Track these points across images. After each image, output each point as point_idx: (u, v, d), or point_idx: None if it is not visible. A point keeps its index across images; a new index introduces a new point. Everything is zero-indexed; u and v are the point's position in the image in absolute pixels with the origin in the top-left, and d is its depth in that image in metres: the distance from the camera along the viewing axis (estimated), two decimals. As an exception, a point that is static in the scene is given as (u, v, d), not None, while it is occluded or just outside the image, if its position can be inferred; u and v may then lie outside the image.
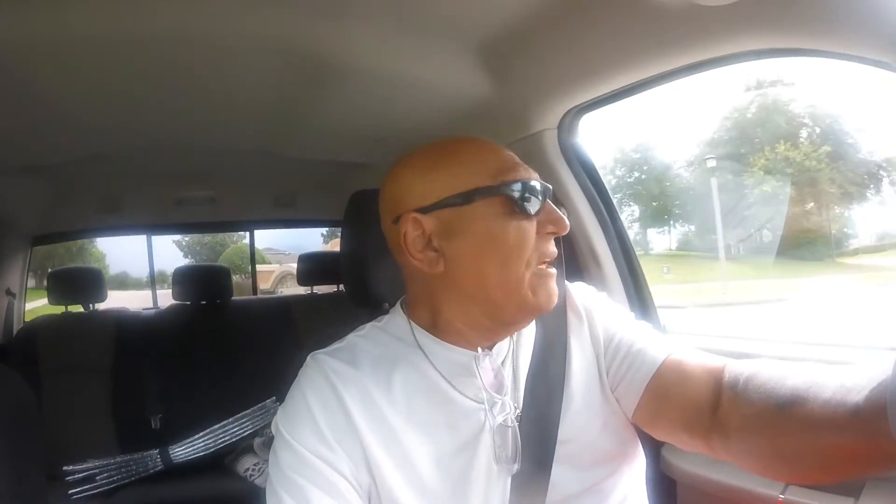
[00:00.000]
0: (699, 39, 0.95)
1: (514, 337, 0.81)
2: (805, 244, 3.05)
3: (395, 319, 0.81)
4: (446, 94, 1.41)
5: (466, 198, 0.72)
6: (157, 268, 3.06)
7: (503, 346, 0.79)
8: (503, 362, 0.78)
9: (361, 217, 0.91)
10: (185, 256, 7.89)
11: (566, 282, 0.89)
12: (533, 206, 0.71)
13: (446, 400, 0.73)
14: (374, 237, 0.82)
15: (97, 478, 1.86)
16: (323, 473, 0.67)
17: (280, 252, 6.56)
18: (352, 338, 0.81)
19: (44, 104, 1.35)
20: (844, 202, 3.03)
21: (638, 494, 0.80)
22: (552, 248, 0.73)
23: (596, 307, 0.86)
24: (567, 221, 0.72)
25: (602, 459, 0.76)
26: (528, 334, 0.82)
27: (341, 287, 2.73)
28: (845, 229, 3.19)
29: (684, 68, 1.04)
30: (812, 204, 3.11)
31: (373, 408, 0.71)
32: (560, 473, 0.73)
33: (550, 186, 0.74)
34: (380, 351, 0.77)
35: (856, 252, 3.00)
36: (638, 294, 1.44)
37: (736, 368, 0.70)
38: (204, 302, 2.49)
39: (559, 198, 1.40)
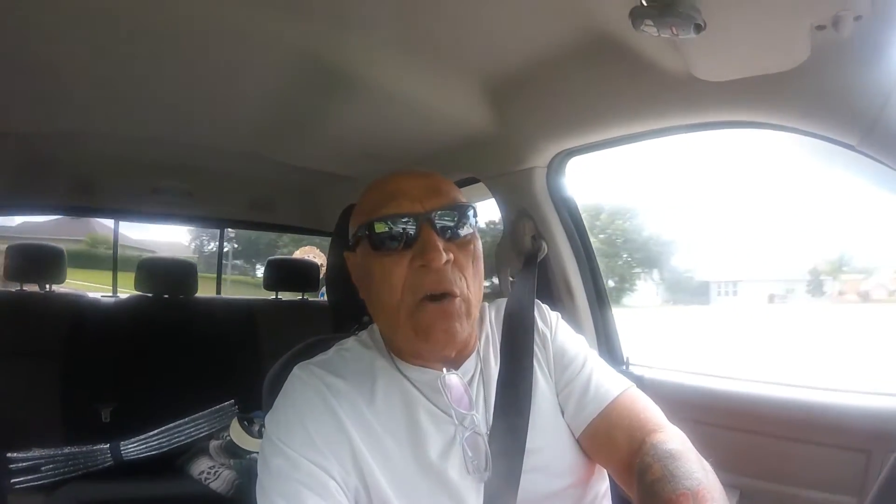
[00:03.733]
0: (692, 106, 1.05)
1: (482, 354, 0.86)
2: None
3: (375, 336, 0.87)
4: (443, 121, 1.46)
5: (356, 239, 0.81)
6: None
7: (470, 364, 0.84)
8: (471, 379, 0.83)
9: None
10: None
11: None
12: (394, 240, 0.76)
13: (422, 413, 0.78)
14: None
15: (42, 468, 1.77)
16: (315, 476, 0.70)
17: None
18: (337, 350, 0.86)
19: (31, 69, 1.31)
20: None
21: (606, 500, 0.87)
22: (430, 281, 0.74)
23: (552, 331, 0.91)
24: (442, 256, 0.73)
25: (569, 467, 0.82)
26: (496, 353, 0.87)
27: (306, 296, 2.72)
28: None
29: (673, 128, 1.15)
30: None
31: (360, 415, 0.76)
32: (530, 480, 0.78)
33: (434, 213, 0.76)
34: (362, 365, 0.82)
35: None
36: (605, 327, 1.54)
37: (646, 458, 0.72)
38: (167, 296, 2.42)
39: (540, 231, 1.48)
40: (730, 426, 1.20)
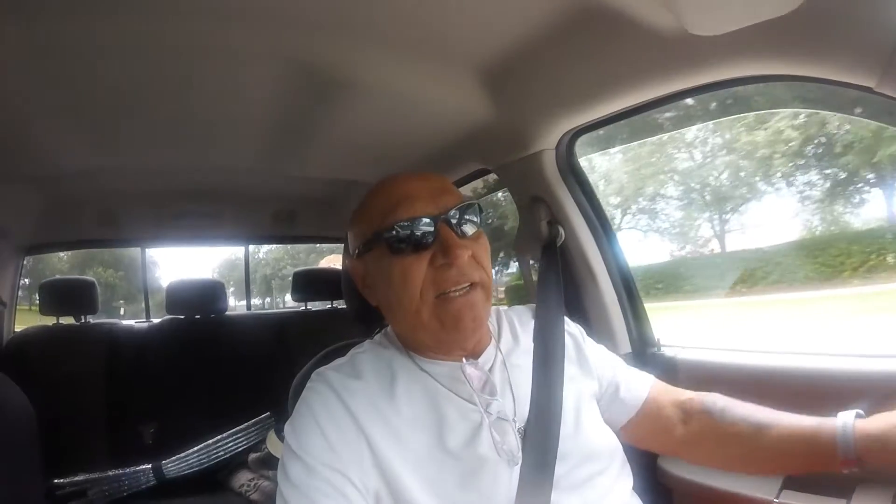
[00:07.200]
0: (693, 66, 1.00)
1: (501, 345, 0.88)
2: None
3: (391, 337, 0.88)
4: (447, 115, 1.44)
5: (366, 246, 0.81)
6: None
7: (490, 354, 0.86)
8: (492, 368, 0.84)
9: None
10: None
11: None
12: (414, 242, 0.77)
13: (445, 403, 0.79)
14: None
15: (88, 492, 1.83)
16: (331, 482, 0.70)
17: None
18: (353, 354, 0.87)
19: (44, 115, 1.34)
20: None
21: (631, 497, 0.86)
22: (452, 277, 0.76)
23: (582, 336, 0.99)
24: (465, 252, 0.76)
25: (599, 458, 0.82)
26: (517, 342, 0.90)
27: (335, 303, 2.73)
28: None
29: (679, 93, 1.10)
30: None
31: (379, 414, 0.76)
32: (561, 470, 0.78)
33: (450, 212, 0.78)
34: (380, 364, 0.83)
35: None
36: (633, 310, 1.48)
37: (706, 399, 0.92)
38: (198, 316, 2.48)
39: (556, 216, 1.44)
40: (770, 402, 1.13)
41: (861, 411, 0.79)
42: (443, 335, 0.78)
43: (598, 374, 0.94)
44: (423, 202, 0.78)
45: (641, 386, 0.96)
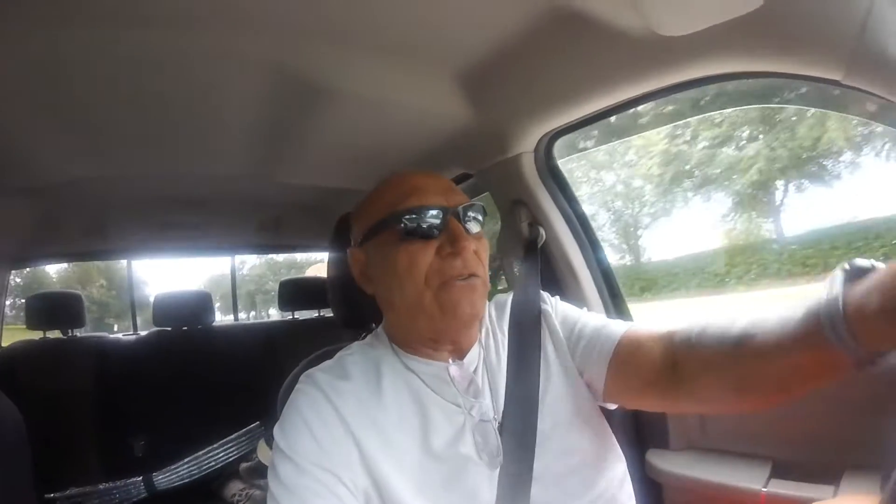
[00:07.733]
0: (665, 66, 1.02)
1: (483, 344, 0.89)
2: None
3: (379, 337, 0.89)
4: (428, 120, 1.45)
5: (373, 231, 0.82)
6: None
7: (474, 354, 0.86)
8: (476, 369, 0.85)
9: (347, 241, 0.94)
10: None
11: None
12: (424, 230, 0.79)
13: (431, 404, 0.80)
14: None
15: (80, 507, 1.82)
16: (321, 481, 0.70)
17: None
18: (341, 356, 0.87)
19: (28, 126, 1.33)
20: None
21: (620, 485, 0.85)
22: (457, 266, 0.78)
23: (553, 308, 0.95)
24: (472, 244, 0.79)
25: (580, 448, 0.83)
26: (496, 342, 0.90)
27: (322, 312, 2.73)
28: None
29: (654, 93, 1.11)
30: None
31: (366, 414, 0.77)
32: (542, 462, 0.79)
33: (459, 207, 0.81)
34: (368, 365, 0.83)
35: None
36: (616, 307, 1.50)
37: (685, 327, 0.78)
38: (185, 327, 2.47)
39: (536, 217, 1.45)
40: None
41: (850, 264, 0.58)
42: (440, 323, 0.79)
43: (565, 336, 0.90)
44: (433, 195, 0.81)
45: (618, 325, 0.87)
